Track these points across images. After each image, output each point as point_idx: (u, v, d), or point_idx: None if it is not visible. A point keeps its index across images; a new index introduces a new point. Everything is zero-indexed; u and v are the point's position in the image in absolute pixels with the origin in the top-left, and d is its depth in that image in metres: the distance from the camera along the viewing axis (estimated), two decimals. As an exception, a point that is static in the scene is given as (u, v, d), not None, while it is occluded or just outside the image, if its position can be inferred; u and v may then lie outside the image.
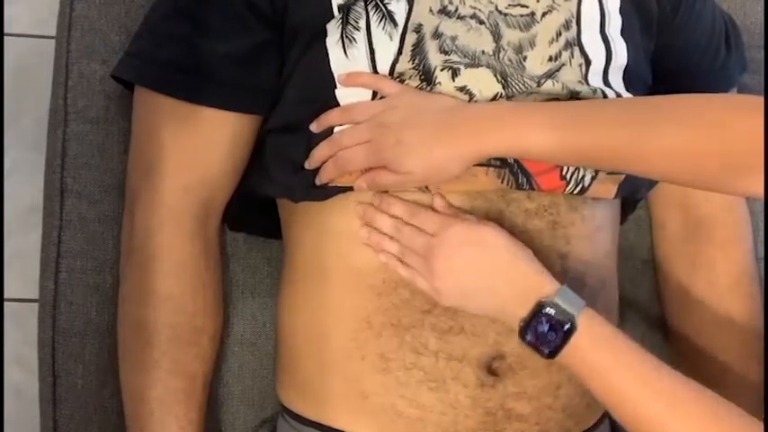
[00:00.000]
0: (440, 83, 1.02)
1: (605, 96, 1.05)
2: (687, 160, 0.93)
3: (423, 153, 0.98)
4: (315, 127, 1.03)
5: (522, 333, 0.96)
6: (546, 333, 0.94)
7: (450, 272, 0.98)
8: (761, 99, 0.90)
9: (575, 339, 0.94)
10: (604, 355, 0.94)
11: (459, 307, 1.00)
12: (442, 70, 1.02)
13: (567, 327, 0.94)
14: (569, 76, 1.04)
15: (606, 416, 1.13)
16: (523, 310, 0.95)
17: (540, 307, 0.95)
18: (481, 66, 1.02)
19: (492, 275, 0.97)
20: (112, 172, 1.19)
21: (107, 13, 1.21)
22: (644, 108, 0.97)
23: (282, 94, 1.06)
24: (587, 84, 1.05)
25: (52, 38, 1.23)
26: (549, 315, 0.94)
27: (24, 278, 1.49)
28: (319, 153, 1.03)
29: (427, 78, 1.02)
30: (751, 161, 0.90)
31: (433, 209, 1.01)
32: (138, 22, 1.14)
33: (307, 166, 1.04)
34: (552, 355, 0.95)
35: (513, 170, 1.02)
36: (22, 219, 1.55)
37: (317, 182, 1.03)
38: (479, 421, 1.02)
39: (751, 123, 0.90)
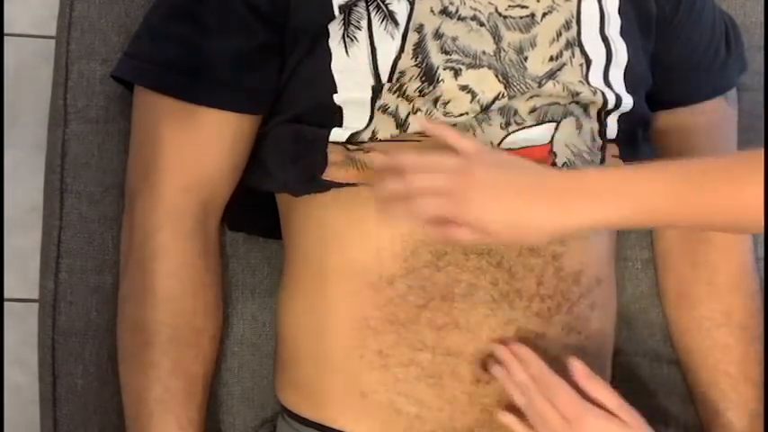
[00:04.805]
0: (443, 80, 1.02)
1: (605, 97, 1.05)
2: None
3: (505, 217, 0.93)
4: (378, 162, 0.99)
5: None
6: None
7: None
8: None
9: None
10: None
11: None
12: (444, 69, 1.02)
13: None
14: (570, 76, 1.05)
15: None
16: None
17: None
18: (483, 66, 1.02)
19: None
20: (112, 172, 1.19)
21: (107, 13, 1.21)
22: (721, 164, 0.92)
23: (283, 92, 1.06)
24: (588, 84, 1.05)
25: (52, 38, 1.23)
26: None
27: (24, 278, 1.49)
28: (388, 184, 0.96)
29: (429, 77, 1.02)
30: None
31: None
32: (138, 22, 1.14)
33: (333, 177, 1.02)
34: None
35: None
36: (22, 219, 1.55)
37: (325, 176, 1.03)
38: (476, 418, 1.02)
39: None
